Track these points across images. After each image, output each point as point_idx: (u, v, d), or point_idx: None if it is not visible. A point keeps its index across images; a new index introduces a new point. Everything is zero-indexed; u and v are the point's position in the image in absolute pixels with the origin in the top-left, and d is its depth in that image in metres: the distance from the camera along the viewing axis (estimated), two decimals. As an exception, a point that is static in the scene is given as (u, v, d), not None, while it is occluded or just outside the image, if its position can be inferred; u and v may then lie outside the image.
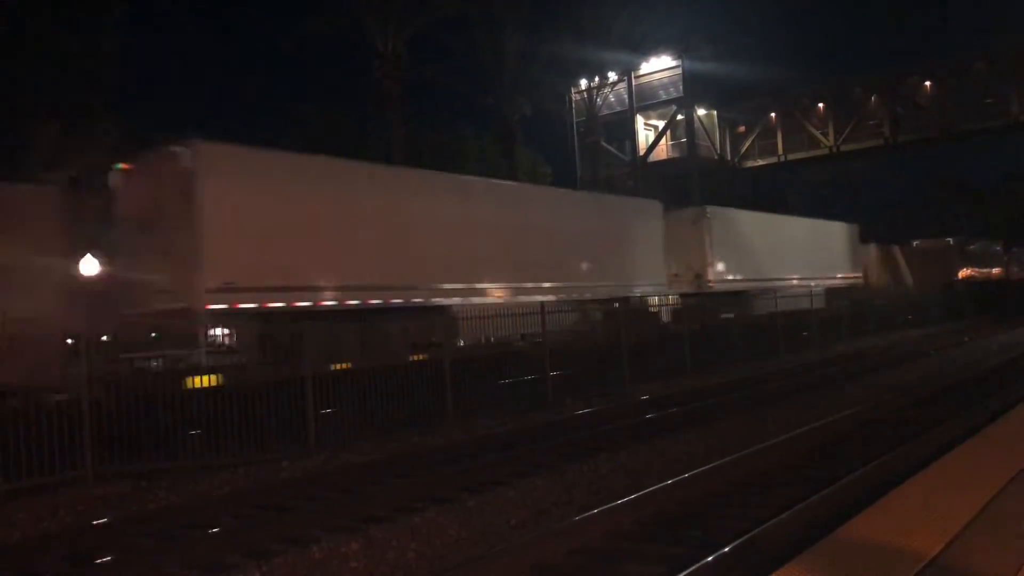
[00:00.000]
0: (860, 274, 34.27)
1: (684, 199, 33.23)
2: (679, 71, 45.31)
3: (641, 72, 45.80)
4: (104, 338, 13.49)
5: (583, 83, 44.79)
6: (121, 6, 25.29)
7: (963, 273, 43.65)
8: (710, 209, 25.89)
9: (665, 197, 27.67)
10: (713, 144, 47.92)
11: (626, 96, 46.37)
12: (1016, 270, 49.66)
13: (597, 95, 45.05)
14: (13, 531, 8.24)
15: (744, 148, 48.46)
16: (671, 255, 23.58)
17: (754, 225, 27.77)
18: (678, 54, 44.71)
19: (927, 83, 43.12)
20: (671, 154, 47.44)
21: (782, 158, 47.42)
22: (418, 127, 35.30)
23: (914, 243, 43.89)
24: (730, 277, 25.63)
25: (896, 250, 40.67)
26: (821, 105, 45.84)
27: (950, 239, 44.86)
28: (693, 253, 24.72)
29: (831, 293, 29.82)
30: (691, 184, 42.65)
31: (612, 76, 44.55)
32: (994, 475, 5.70)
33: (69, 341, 11.26)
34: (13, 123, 22.15)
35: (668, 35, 43.64)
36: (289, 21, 39.15)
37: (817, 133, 45.96)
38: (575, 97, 46.18)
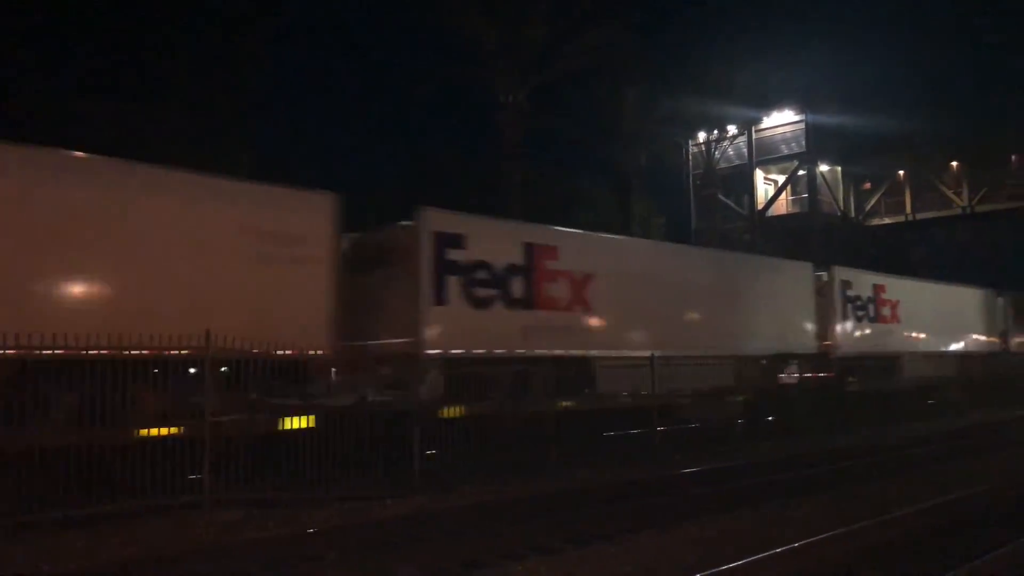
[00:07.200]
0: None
1: (804, 256, 31.85)
2: (802, 126, 44.23)
3: (762, 126, 44.97)
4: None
5: (701, 136, 44.37)
6: (261, 49, 26.92)
7: None
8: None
9: (784, 253, 26.82)
10: (836, 200, 46.36)
11: (745, 149, 45.60)
12: None
13: (716, 148, 44.55)
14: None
15: (869, 205, 46.68)
16: None
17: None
18: (801, 109, 43.73)
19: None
20: (791, 209, 46.16)
21: (910, 217, 45.37)
22: (534, 174, 35.76)
23: None
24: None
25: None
26: (955, 163, 43.69)
27: None
28: None
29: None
30: (811, 240, 41.32)
31: (732, 129, 43.98)
32: None
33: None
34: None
35: (791, 89, 42.82)
36: (424, 71, 40.35)
37: (949, 192, 43.79)
38: (693, 149, 45.80)
